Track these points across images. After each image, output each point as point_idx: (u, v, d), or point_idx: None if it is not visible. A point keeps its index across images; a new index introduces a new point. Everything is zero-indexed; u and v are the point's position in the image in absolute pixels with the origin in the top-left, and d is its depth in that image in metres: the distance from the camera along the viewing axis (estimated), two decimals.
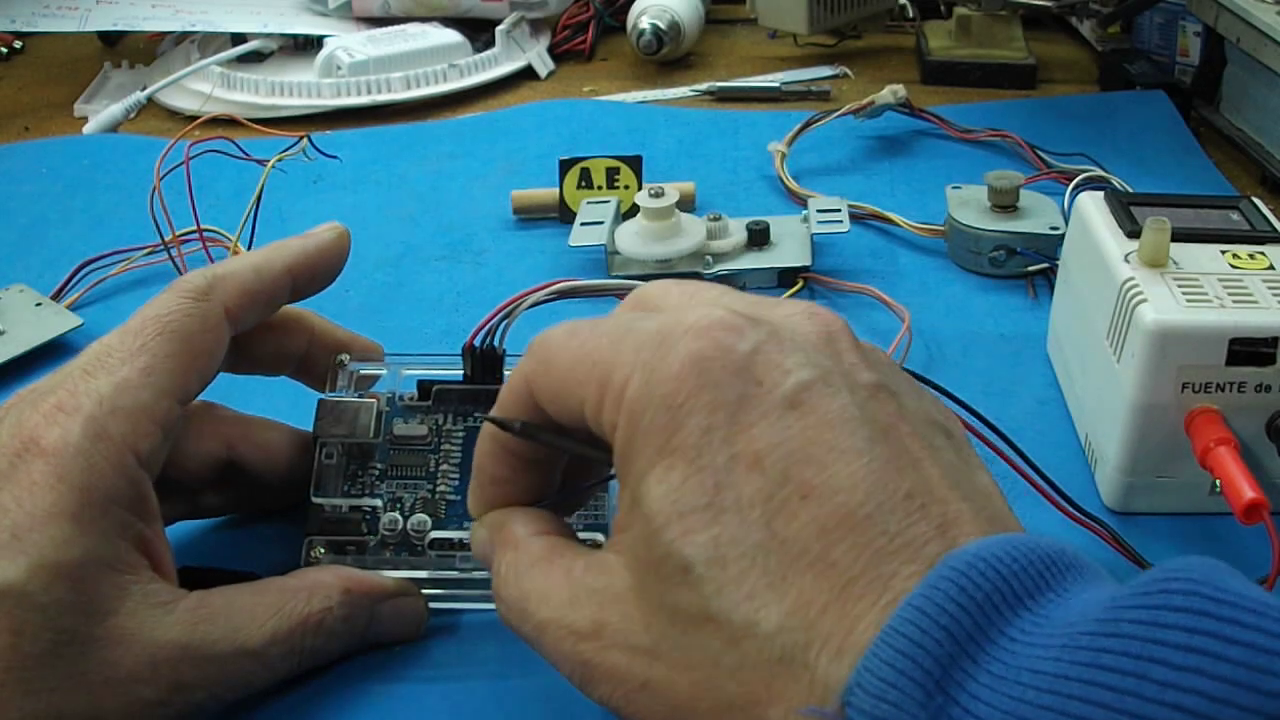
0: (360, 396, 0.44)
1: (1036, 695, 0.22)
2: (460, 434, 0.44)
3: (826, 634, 0.25)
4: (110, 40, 1.02)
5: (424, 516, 0.42)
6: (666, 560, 0.27)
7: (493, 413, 0.35)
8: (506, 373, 0.44)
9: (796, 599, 0.26)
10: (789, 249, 0.63)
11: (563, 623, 0.30)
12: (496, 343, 0.44)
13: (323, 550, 0.42)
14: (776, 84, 0.88)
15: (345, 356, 0.45)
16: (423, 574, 0.42)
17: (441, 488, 0.43)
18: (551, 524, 0.35)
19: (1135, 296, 0.43)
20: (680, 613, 0.27)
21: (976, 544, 0.25)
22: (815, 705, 0.25)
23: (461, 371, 0.44)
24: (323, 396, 0.44)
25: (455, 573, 0.41)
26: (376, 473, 0.43)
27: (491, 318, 0.43)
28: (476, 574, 0.41)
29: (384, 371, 0.45)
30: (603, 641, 0.29)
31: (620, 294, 0.45)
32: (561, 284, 0.44)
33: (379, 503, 0.43)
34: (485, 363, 0.44)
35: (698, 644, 0.27)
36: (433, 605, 0.42)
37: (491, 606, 0.42)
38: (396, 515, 0.42)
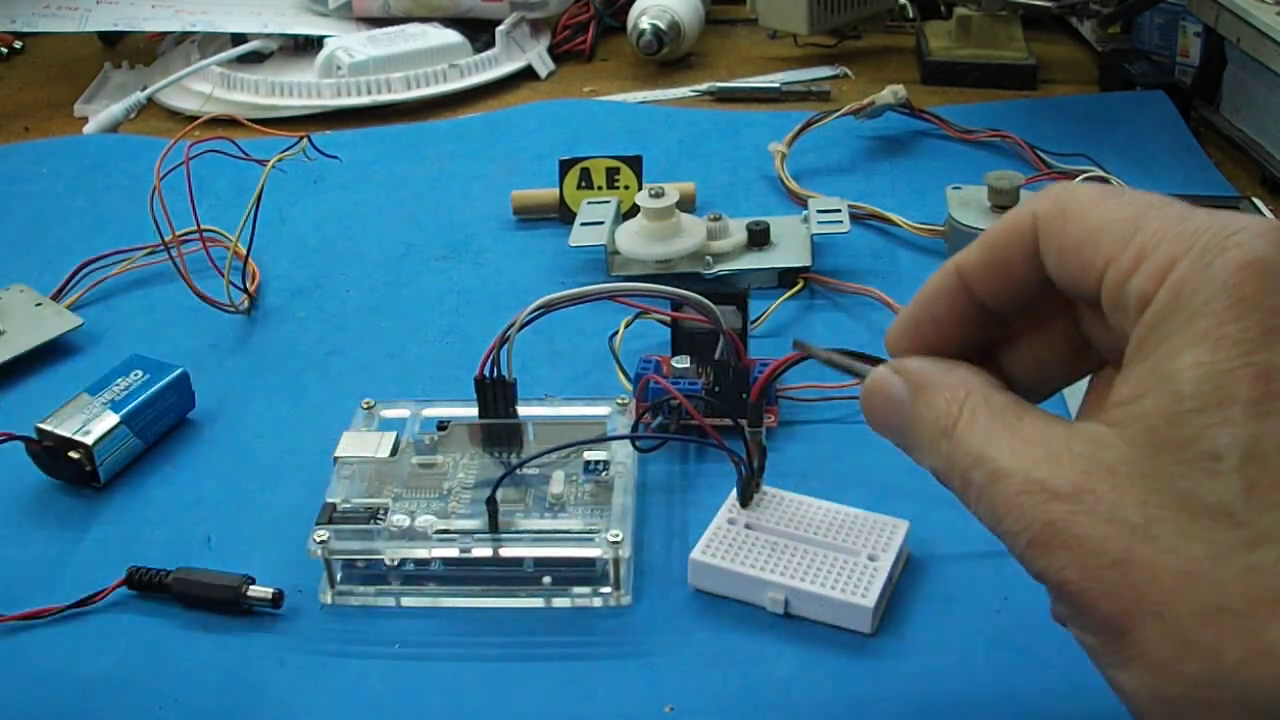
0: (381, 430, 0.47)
1: None
2: (474, 465, 0.46)
3: None
4: (110, 40, 1.02)
5: (431, 517, 0.43)
6: (1194, 443, 0.25)
7: (974, 247, 0.31)
8: (520, 409, 0.48)
9: None
10: (789, 249, 0.63)
11: (1033, 476, 0.27)
12: (503, 371, 0.47)
13: (326, 536, 0.42)
14: (776, 84, 0.88)
15: (372, 400, 0.49)
16: (423, 552, 0.42)
17: (453, 505, 0.44)
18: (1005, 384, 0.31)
19: None
20: (1194, 500, 0.25)
21: None
22: None
23: (476, 407, 0.48)
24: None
25: (456, 551, 0.42)
26: (394, 494, 0.45)
27: (492, 349, 0.46)
28: (477, 553, 0.42)
29: (406, 413, 0.49)
30: (1081, 506, 0.26)
31: (596, 299, 0.48)
32: (540, 300, 0.47)
33: (389, 502, 0.44)
34: (498, 392, 0.47)
35: (1205, 536, 0.25)
36: (439, 601, 0.43)
37: (492, 603, 0.42)
38: (405, 516, 0.43)
